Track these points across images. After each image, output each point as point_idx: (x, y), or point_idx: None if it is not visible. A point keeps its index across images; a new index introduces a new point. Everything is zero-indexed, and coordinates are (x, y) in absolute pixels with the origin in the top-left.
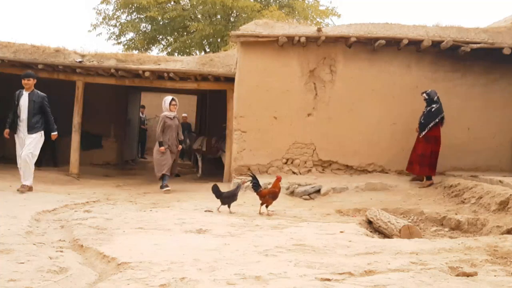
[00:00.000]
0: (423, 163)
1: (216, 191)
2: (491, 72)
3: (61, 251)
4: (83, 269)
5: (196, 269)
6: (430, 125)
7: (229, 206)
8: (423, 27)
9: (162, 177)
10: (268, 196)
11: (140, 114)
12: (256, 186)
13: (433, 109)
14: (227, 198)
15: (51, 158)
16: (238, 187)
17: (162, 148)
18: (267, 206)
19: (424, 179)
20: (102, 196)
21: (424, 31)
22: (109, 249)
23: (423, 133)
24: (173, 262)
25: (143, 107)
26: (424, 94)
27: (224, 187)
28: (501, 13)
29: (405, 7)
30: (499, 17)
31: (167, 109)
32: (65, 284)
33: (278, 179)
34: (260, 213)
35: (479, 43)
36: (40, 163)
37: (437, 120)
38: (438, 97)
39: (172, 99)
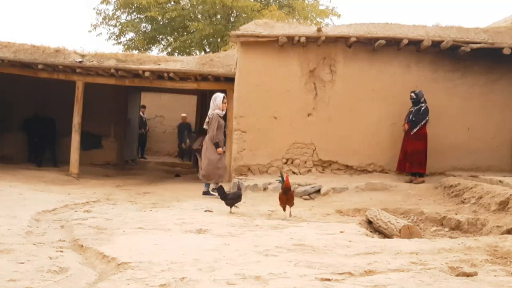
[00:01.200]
0: (414, 160)
1: (221, 193)
2: (491, 72)
3: (61, 251)
4: (83, 269)
5: (196, 269)
6: (422, 123)
7: (231, 206)
8: (423, 27)
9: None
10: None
11: (141, 114)
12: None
13: (422, 108)
14: (232, 200)
15: (51, 158)
16: (240, 189)
17: (220, 149)
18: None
19: (417, 176)
20: (102, 196)
21: (424, 31)
22: (109, 249)
23: (415, 130)
24: (173, 262)
25: (144, 107)
26: (413, 94)
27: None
28: (501, 13)
29: (405, 7)
30: (499, 17)
31: (218, 107)
32: (65, 284)
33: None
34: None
35: (479, 43)
36: (40, 163)
37: (427, 118)
38: (424, 98)
39: (224, 97)
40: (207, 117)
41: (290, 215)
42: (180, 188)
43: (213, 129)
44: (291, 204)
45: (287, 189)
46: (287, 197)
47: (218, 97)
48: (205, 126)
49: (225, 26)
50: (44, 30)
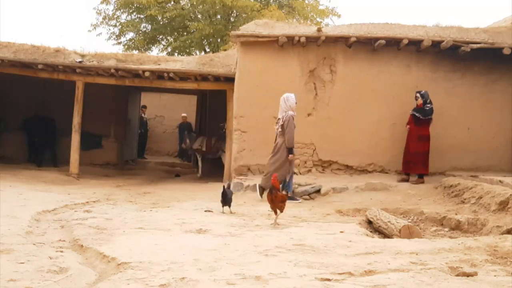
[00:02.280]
0: (417, 161)
1: (223, 193)
2: (491, 72)
3: (61, 251)
4: (83, 269)
5: (196, 269)
6: (425, 118)
7: (229, 206)
8: (423, 27)
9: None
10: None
11: (142, 114)
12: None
13: (427, 108)
14: (230, 200)
15: (51, 158)
16: (229, 187)
17: (292, 156)
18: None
19: (416, 177)
20: (102, 196)
21: (424, 31)
22: (109, 249)
23: (421, 116)
24: (173, 262)
25: (145, 107)
26: (418, 94)
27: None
28: (501, 13)
29: (405, 7)
30: (499, 17)
31: (292, 108)
32: (65, 284)
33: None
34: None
35: (479, 43)
36: (40, 163)
37: (431, 117)
38: (430, 100)
39: (295, 96)
40: (280, 119)
41: (275, 221)
42: (180, 188)
43: (291, 132)
44: (279, 208)
45: (273, 188)
46: (271, 197)
47: (290, 98)
48: (277, 129)
49: (225, 26)
50: (44, 30)
